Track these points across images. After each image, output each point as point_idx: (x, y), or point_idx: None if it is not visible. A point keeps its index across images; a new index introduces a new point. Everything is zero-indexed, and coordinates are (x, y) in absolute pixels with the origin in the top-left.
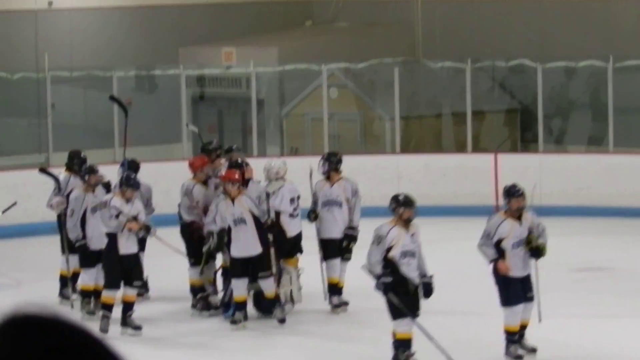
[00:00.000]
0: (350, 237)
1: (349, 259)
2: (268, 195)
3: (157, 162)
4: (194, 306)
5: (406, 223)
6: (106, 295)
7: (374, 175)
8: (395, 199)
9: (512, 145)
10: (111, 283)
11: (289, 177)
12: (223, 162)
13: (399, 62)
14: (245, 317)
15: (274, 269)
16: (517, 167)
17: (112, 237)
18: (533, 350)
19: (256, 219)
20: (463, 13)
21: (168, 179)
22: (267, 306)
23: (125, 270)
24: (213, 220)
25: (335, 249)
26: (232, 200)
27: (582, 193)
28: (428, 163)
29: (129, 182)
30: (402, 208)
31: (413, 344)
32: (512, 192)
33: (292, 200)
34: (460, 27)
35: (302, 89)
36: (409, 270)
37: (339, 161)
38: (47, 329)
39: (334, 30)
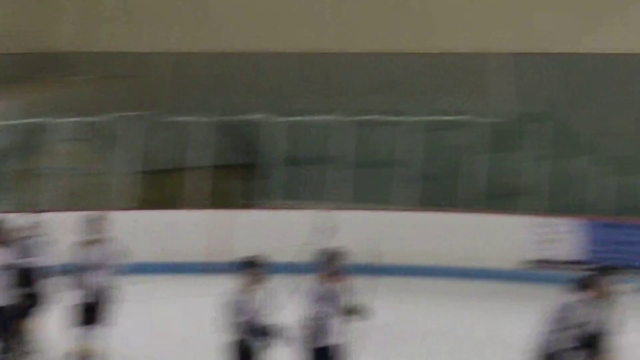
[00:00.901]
0: None
1: None
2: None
3: None
4: None
5: None
6: None
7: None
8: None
9: (244, 200)
10: None
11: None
12: None
13: (135, 116)
14: None
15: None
16: (249, 222)
17: None
18: None
19: None
20: (208, 67)
21: None
22: None
23: None
24: None
25: None
26: None
27: (309, 248)
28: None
29: None
30: None
31: None
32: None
33: None
34: (198, 81)
35: (40, 142)
36: None
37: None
38: None
39: (74, 83)
